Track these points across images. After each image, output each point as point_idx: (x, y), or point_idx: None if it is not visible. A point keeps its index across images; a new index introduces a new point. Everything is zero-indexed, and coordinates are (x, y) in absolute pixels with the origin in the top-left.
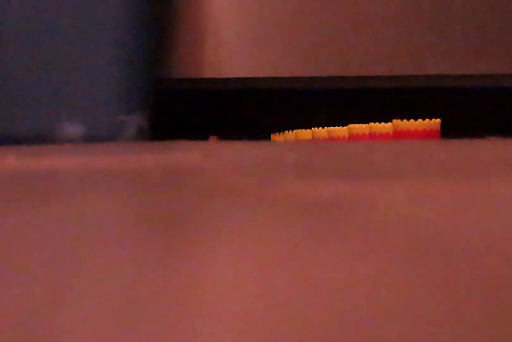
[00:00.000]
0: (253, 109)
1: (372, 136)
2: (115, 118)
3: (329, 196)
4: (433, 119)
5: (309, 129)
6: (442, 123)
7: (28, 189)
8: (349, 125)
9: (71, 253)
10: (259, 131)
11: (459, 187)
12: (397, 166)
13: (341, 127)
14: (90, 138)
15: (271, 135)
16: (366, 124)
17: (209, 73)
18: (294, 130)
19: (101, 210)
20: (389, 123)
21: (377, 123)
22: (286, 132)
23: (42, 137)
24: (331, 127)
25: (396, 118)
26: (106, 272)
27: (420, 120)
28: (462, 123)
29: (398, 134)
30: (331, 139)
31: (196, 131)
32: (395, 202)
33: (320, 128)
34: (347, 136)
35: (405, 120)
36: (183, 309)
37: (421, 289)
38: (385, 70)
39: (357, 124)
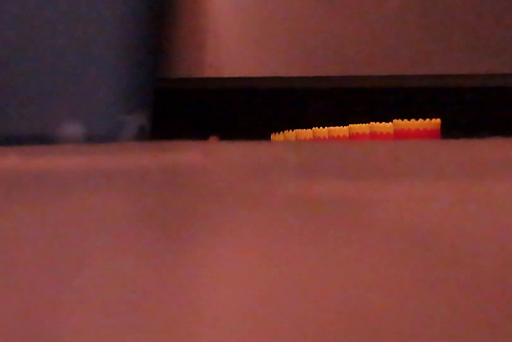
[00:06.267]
0: (253, 109)
1: (373, 136)
2: (115, 118)
3: (329, 195)
4: (433, 119)
5: (309, 129)
6: (442, 123)
7: (28, 189)
8: (349, 125)
9: (71, 253)
10: (259, 131)
11: (459, 187)
12: (398, 166)
13: (341, 127)
14: (90, 138)
15: (271, 135)
16: (367, 124)
17: (209, 73)
18: (294, 130)
19: (101, 210)
20: (390, 123)
21: (377, 123)
22: (286, 132)
23: (43, 138)
24: (332, 127)
25: (397, 118)
26: (106, 272)
27: (420, 120)
28: (462, 123)
29: (398, 134)
30: (332, 139)
31: (196, 131)
32: (395, 202)
33: (321, 128)
34: (348, 136)
35: (405, 120)
36: (184, 308)
37: (421, 289)
38: (385, 70)
39: (358, 124)
